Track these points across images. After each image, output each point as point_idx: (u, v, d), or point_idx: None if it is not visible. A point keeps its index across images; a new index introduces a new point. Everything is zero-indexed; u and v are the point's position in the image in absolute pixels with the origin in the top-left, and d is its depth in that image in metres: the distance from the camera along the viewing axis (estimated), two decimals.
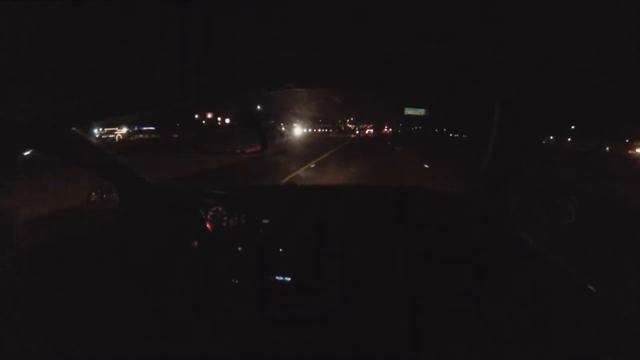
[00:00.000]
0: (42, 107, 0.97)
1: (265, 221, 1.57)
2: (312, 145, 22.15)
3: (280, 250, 1.51)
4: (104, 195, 1.49)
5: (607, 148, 26.97)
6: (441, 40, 0.74)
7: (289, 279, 1.41)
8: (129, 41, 0.76)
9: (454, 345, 1.08)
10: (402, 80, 0.96)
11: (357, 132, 45.90)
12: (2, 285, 1.07)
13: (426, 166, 12.16)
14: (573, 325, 0.96)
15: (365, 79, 1.01)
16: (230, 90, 1.08)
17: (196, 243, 1.59)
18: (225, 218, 1.60)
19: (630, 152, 24.79)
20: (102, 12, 0.65)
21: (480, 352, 1.05)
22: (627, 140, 26.30)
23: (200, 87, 0.96)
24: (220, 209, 1.61)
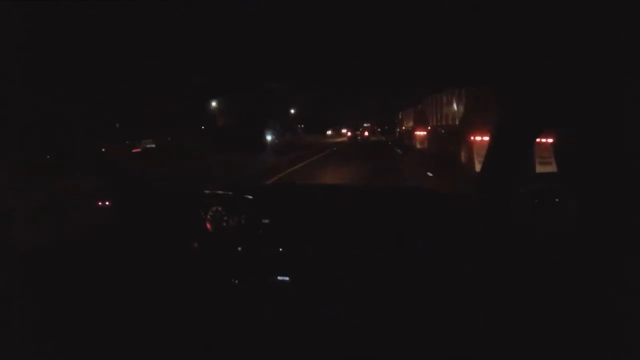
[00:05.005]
0: (43, 107, 0.98)
1: (265, 221, 1.57)
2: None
3: (280, 250, 1.51)
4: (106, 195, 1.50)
5: None
6: (439, 40, 0.75)
7: (288, 278, 1.41)
8: (129, 41, 0.77)
9: (455, 346, 1.08)
10: (400, 79, 0.96)
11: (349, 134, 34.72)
12: (1, 285, 1.07)
13: None
14: (575, 324, 0.96)
15: (364, 78, 1.02)
16: (229, 89, 1.08)
17: (196, 243, 1.59)
18: (225, 218, 1.60)
19: None
20: (102, 13, 0.65)
21: (481, 352, 1.05)
22: None
23: (200, 86, 0.97)
24: (219, 209, 1.61)
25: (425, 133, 14.04)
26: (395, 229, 1.48)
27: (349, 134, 34.05)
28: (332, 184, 4.20)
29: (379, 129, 40.28)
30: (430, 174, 7.77)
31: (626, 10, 0.59)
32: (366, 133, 34.85)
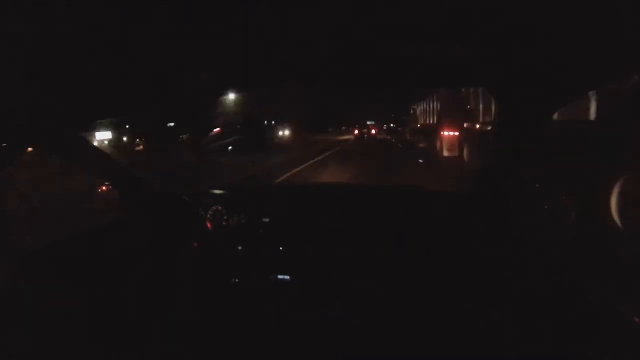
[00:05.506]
0: (43, 107, 0.98)
1: (266, 220, 1.57)
2: None
3: (281, 249, 1.51)
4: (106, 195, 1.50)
5: None
6: (439, 39, 0.75)
7: (289, 278, 1.41)
8: (129, 41, 0.77)
9: (454, 346, 1.08)
10: (398, 80, 0.96)
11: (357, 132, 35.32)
12: (1, 286, 1.07)
13: None
14: (574, 325, 0.96)
15: (365, 78, 1.02)
16: (230, 87, 1.08)
17: (196, 243, 1.59)
18: (226, 217, 1.60)
19: None
20: (102, 13, 0.65)
21: (482, 352, 1.05)
22: None
23: (200, 86, 0.97)
24: (220, 208, 1.61)
25: (457, 134, 9.44)
26: (395, 228, 1.48)
27: (356, 132, 34.28)
28: (333, 184, 4.19)
29: (385, 127, 40.91)
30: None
31: (626, 10, 0.59)
32: (373, 131, 35.14)
